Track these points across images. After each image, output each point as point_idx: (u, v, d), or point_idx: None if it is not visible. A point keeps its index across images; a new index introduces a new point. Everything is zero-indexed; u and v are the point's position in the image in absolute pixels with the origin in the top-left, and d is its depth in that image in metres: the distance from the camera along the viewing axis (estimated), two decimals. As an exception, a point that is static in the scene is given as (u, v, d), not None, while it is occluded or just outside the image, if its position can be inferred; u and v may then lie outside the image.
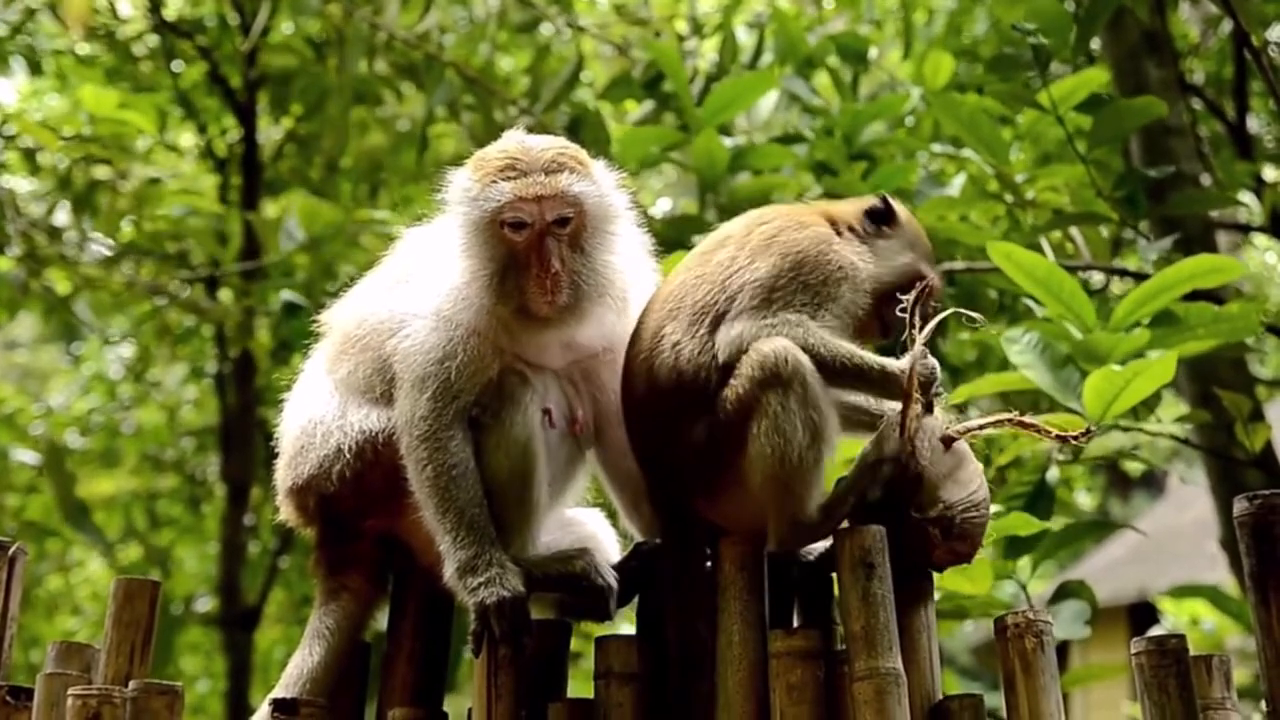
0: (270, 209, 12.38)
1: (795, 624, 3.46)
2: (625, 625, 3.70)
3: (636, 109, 8.21)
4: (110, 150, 8.87)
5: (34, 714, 3.58)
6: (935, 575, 3.42)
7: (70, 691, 3.41)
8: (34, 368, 19.38)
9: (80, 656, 3.68)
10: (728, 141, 6.62)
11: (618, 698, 3.38)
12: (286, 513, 3.73)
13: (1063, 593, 5.08)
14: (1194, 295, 4.79)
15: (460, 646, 3.55)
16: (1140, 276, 5.50)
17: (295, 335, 8.38)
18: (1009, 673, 3.24)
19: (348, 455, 3.55)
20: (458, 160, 3.68)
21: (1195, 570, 15.56)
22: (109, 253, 10.40)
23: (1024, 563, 4.91)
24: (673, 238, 6.07)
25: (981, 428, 3.50)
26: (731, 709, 3.29)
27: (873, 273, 3.53)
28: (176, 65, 12.64)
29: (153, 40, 12.48)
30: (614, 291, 3.55)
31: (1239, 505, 3.21)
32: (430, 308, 3.53)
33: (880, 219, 3.63)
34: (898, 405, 3.42)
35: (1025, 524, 4.46)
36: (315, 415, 3.63)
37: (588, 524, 3.82)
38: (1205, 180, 7.21)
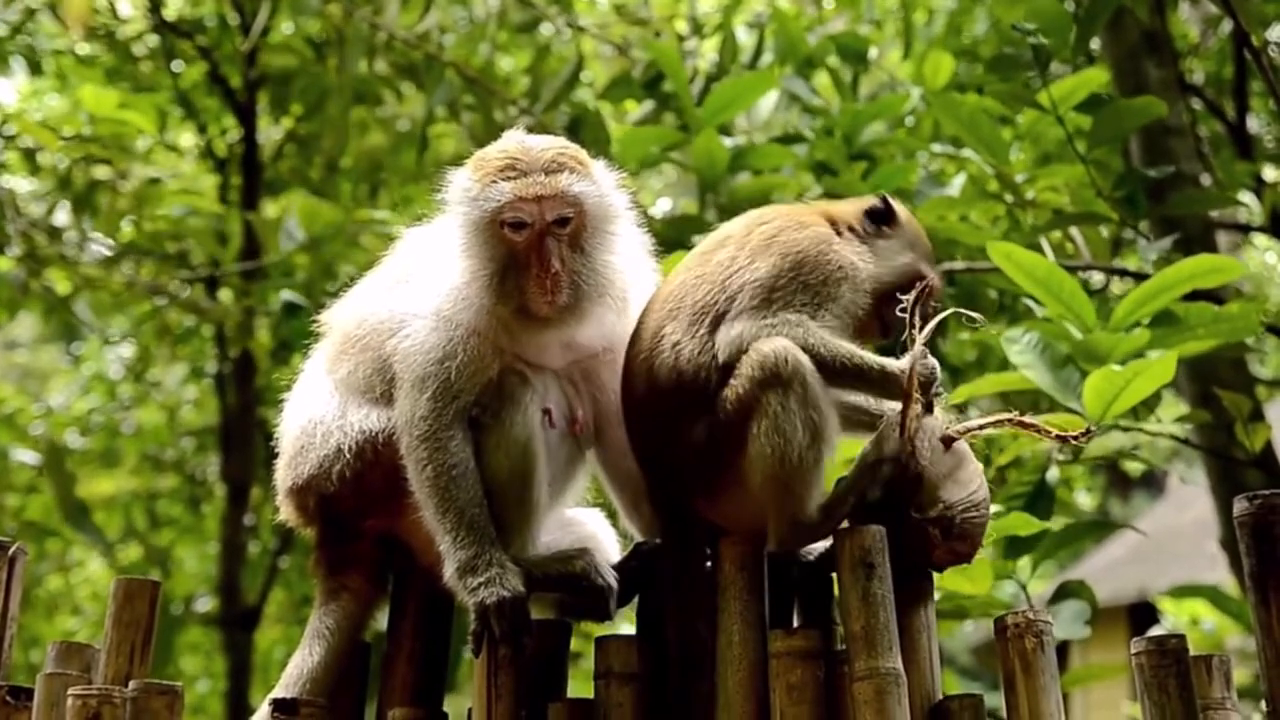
0: (270, 209, 12.38)
1: (795, 624, 3.46)
2: (625, 625, 3.70)
3: (636, 109, 8.21)
4: (110, 150, 8.87)
5: (34, 714, 3.58)
6: (935, 575, 3.43)
7: (70, 691, 3.41)
8: (34, 368, 19.38)
9: (80, 656, 3.68)
10: (728, 141, 6.62)
11: (618, 698, 3.38)
12: (286, 513, 3.73)
13: (1063, 593, 5.08)
14: (1194, 295, 4.79)
15: (460, 646, 3.55)
16: (1140, 276, 5.50)
17: (295, 335, 8.39)
18: (1009, 673, 3.24)
19: (348, 455, 3.55)
20: (458, 160, 3.68)
21: (1195, 570, 15.57)
22: (109, 253, 10.40)
23: (1024, 563, 4.91)
24: (673, 238, 6.07)
25: (981, 428, 3.50)
26: (731, 709, 3.29)
27: (873, 273, 3.53)
28: (176, 65, 12.64)
29: (153, 40, 12.48)
30: (614, 291, 3.55)
31: (1239, 505, 3.21)
32: (430, 308, 3.53)
33: (880, 219, 3.63)
34: (897, 405, 3.43)
35: (1026, 524, 4.46)
36: (315, 415, 3.63)
37: (588, 524, 3.82)
38: (1205, 180, 7.21)
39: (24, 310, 11.20)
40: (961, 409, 6.43)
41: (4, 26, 11.08)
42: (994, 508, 4.56)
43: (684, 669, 3.38)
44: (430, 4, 9.07)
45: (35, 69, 11.55)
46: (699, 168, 6.47)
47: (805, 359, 3.31)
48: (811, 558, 3.49)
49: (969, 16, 8.64)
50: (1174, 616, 11.51)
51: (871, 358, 3.37)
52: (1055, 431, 3.52)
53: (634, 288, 3.64)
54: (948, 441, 3.40)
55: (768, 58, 7.92)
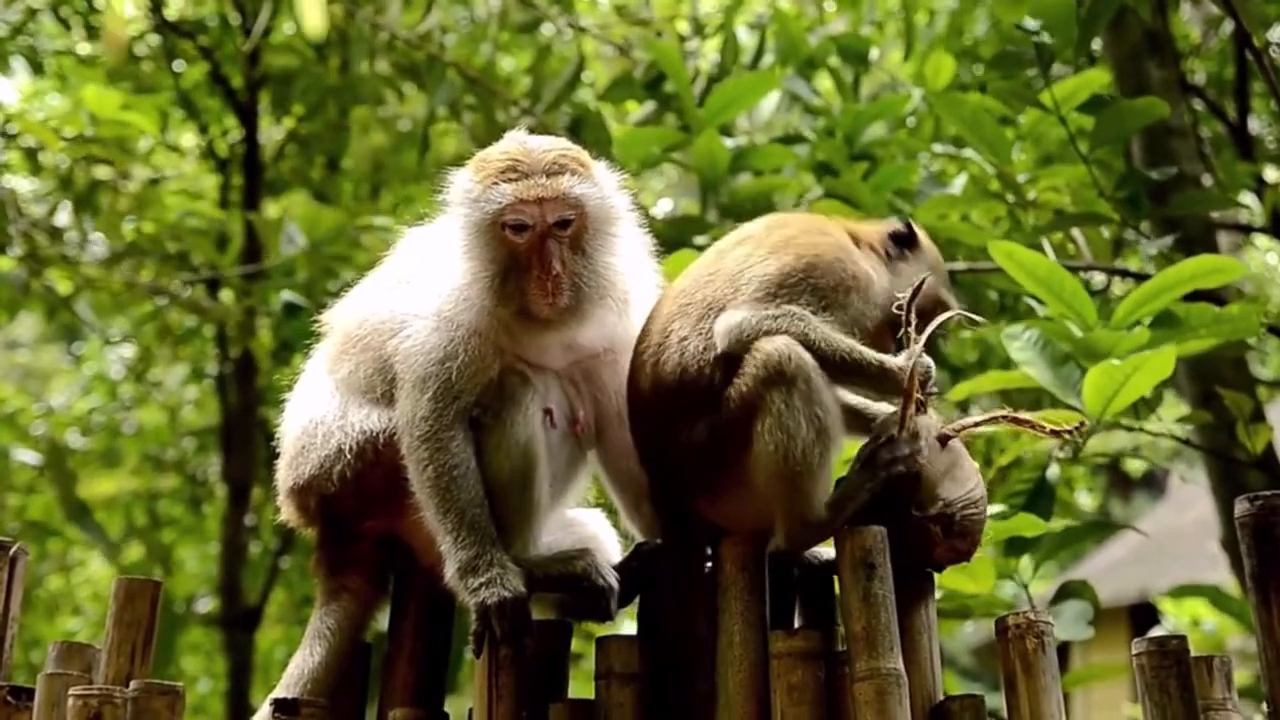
0: (271, 209, 12.38)
1: (796, 625, 3.46)
2: (627, 626, 3.70)
3: (638, 110, 8.21)
4: (111, 151, 8.87)
5: (35, 714, 3.58)
6: (936, 575, 3.43)
7: (71, 691, 3.41)
8: (35, 368, 19.39)
9: (81, 656, 3.68)
10: (729, 142, 6.62)
11: (618, 698, 3.38)
12: (287, 513, 3.73)
13: (1064, 593, 5.08)
14: (1195, 296, 4.79)
15: (461, 647, 3.55)
16: (1141, 277, 5.50)
17: (296, 335, 8.39)
18: (1010, 673, 3.24)
19: (348, 455, 3.55)
20: (459, 160, 3.68)
21: (1196, 571, 15.54)
22: (110, 253, 10.41)
23: (1025, 563, 4.91)
24: (674, 238, 6.08)
25: (977, 425, 3.51)
26: (732, 709, 3.29)
27: (887, 290, 3.53)
28: (178, 65, 12.64)
29: (154, 40, 12.48)
30: (615, 293, 3.55)
31: (1240, 506, 3.21)
32: (431, 308, 3.53)
33: (903, 242, 3.63)
34: (890, 408, 3.44)
35: (1030, 525, 4.45)
36: (316, 415, 3.63)
37: (589, 524, 3.82)
38: (1206, 181, 7.22)
39: (25, 310, 11.20)
40: (964, 408, 6.45)
41: (5, 27, 11.08)
42: (996, 507, 4.58)
43: (685, 669, 3.38)
44: (432, 4, 9.08)
45: (37, 69, 11.56)
46: (700, 168, 6.47)
47: (808, 356, 3.31)
48: (817, 562, 3.49)
49: (970, 17, 8.64)
50: (1175, 617, 11.50)
51: (870, 354, 3.37)
52: (1049, 426, 3.53)
53: (635, 289, 3.64)
54: (944, 439, 3.41)
55: (769, 58, 7.92)
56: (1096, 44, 7.47)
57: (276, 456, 3.77)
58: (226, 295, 11.38)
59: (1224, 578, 10.10)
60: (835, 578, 3.34)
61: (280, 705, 3.45)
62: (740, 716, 3.28)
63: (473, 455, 3.45)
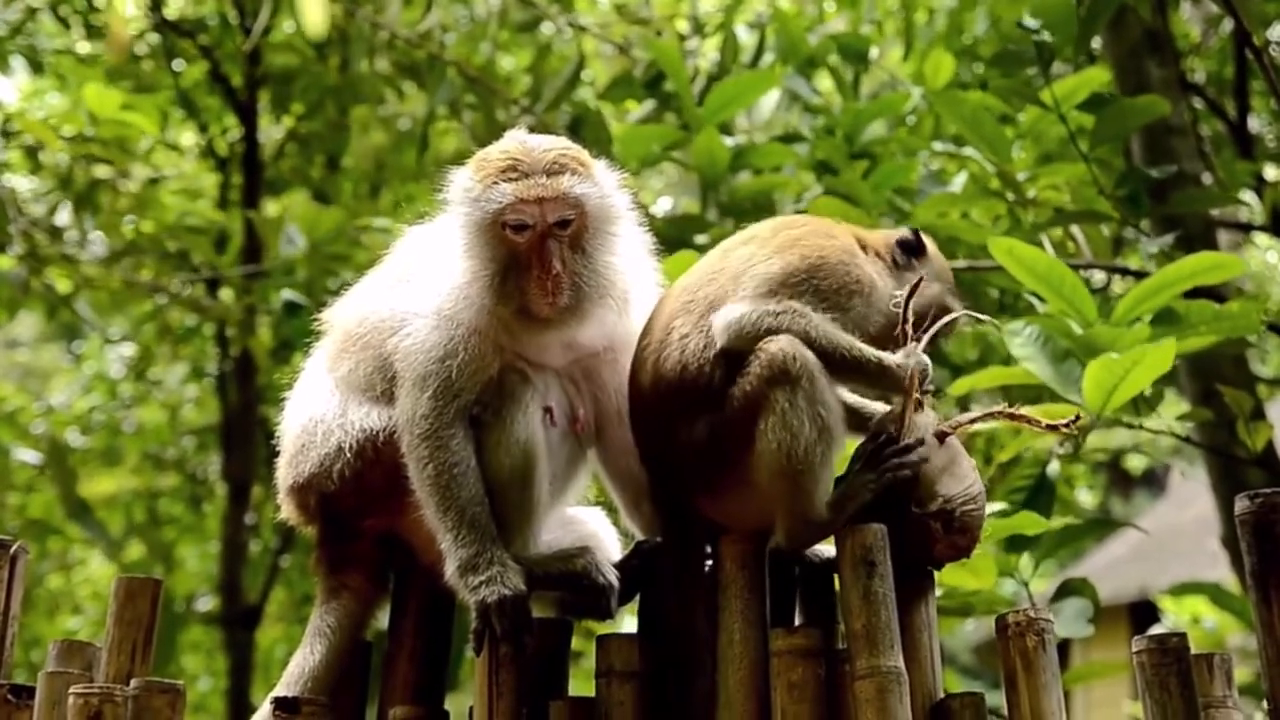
0: (271, 208, 12.39)
1: (796, 622, 3.46)
2: (627, 623, 3.70)
3: (637, 108, 8.21)
4: (111, 150, 8.87)
5: (35, 712, 3.58)
6: (937, 572, 3.43)
7: (72, 690, 3.41)
8: (35, 366, 19.39)
9: (82, 655, 3.68)
10: (729, 140, 6.62)
11: (619, 696, 3.38)
12: (287, 511, 3.74)
13: (1065, 591, 5.08)
14: (1195, 293, 4.79)
15: (461, 645, 3.55)
16: (1141, 275, 5.50)
17: (296, 334, 8.39)
18: (1010, 671, 3.24)
19: (348, 454, 3.55)
20: (459, 159, 3.68)
21: (1196, 568, 15.54)
22: (110, 252, 10.41)
23: (1025, 561, 4.91)
24: (674, 237, 6.08)
25: (974, 421, 3.52)
26: (732, 707, 3.29)
27: (892, 297, 3.53)
28: (178, 64, 12.64)
29: (154, 39, 12.48)
30: (615, 292, 3.54)
31: (1240, 503, 3.21)
32: (431, 306, 3.53)
33: (910, 250, 3.63)
34: (885, 406, 3.45)
35: (1031, 522, 4.45)
36: (316, 413, 3.64)
37: (589, 522, 3.82)
38: (1206, 179, 7.21)
39: (25, 309, 11.21)
40: (964, 405, 6.45)
41: (5, 26, 11.08)
42: (997, 505, 4.58)
43: (685, 667, 3.38)
44: (432, 3, 9.08)
45: (36, 68, 11.56)
46: (700, 167, 6.47)
47: (812, 355, 3.31)
48: (817, 560, 3.49)
49: (970, 16, 8.64)
50: (1175, 615, 11.51)
51: (870, 351, 3.37)
52: (1046, 421, 3.53)
53: (635, 288, 3.64)
54: (941, 436, 3.41)
55: (769, 57, 7.92)
56: (1096, 42, 7.47)
57: (276, 455, 3.77)
58: (226, 294, 11.38)
59: (1224, 575, 10.11)
60: (835, 575, 3.34)
61: (281, 703, 3.45)
62: (741, 714, 3.28)
63: (473, 453, 3.45)
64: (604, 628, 3.63)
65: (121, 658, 3.63)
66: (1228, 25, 8.80)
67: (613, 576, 3.54)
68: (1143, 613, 16.92)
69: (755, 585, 3.36)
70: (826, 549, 3.45)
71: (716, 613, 3.36)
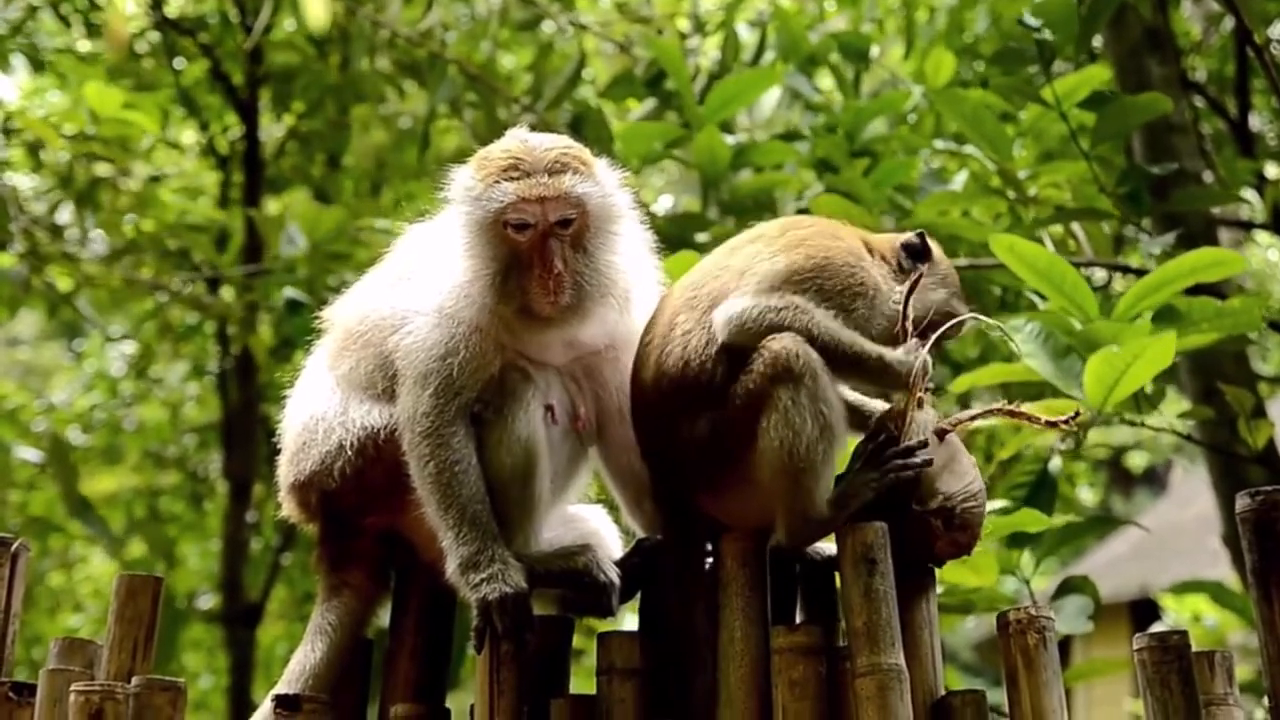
0: (272, 206, 12.39)
1: (797, 620, 3.46)
2: (628, 621, 3.71)
3: (638, 107, 8.21)
4: (112, 148, 8.87)
5: (37, 710, 3.58)
6: (938, 570, 3.43)
7: (73, 688, 3.42)
8: (36, 364, 19.39)
9: (83, 653, 3.68)
10: (730, 139, 6.62)
11: (620, 693, 3.38)
12: (289, 509, 3.74)
13: (1066, 588, 5.08)
14: (1196, 291, 4.78)
15: (463, 643, 3.55)
16: (1142, 273, 5.50)
17: (297, 332, 8.39)
18: (1011, 669, 3.24)
19: (349, 451, 3.55)
20: (460, 157, 3.68)
21: (1197, 566, 15.54)
22: (110, 250, 10.41)
23: (1027, 559, 4.91)
24: (675, 235, 6.08)
25: (974, 419, 3.52)
26: (734, 705, 3.30)
27: (897, 301, 3.53)
28: (178, 62, 12.64)
29: (155, 37, 12.48)
30: (616, 291, 3.54)
31: (1241, 501, 3.21)
32: (433, 304, 3.53)
33: (916, 254, 3.63)
34: (885, 404, 3.45)
35: (1032, 520, 4.45)
36: (317, 411, 3.64)
37: (590, 520, 3.82)
38: (1207, 177, 7.22)
39: (26, 307, 11.21)
40: (964, 402, 6.45)
41: (5, 24, 11.08)
42: (999, 503, 4.58)
43: (686, 665, 3.38)
44: (432, 1, 9.07)
45: (37, 66, 11.56)
46: (701, 165, 6.47)
47: (815, 354, 3.31)
48: (818, 557, 3.49)
49: (970, 14, 8.64)
50: (1176, 613, 11.52)
51: (872, 347, 3.37)
52: (1045, 417, 3.53)
53: (637, 286, 3.65)
54: (941, 434, 3.41)
55: (770, 55, 7.92)
56: (1097, 41, 7.47)
57: (278, 453, 3.77)
58: (227, 292, 11.38)
59: (1225, 573, 10.11)
60: (836, 573, 3.34)
61: (282, 701, 3.45)
62: (741, 712, 3.29)
63: (474, 451, 3.45)
64: (605, 625, 3.63)
65: (123, 655, 3.63)
66: (1229, 23, 8.80)
67: (614, 574, 3.54)
68: (1143, 611, 16.92)
69: (756, 583, 3.37)
70: (827, 546, 3.45)
71: (717, 610, 3.36)
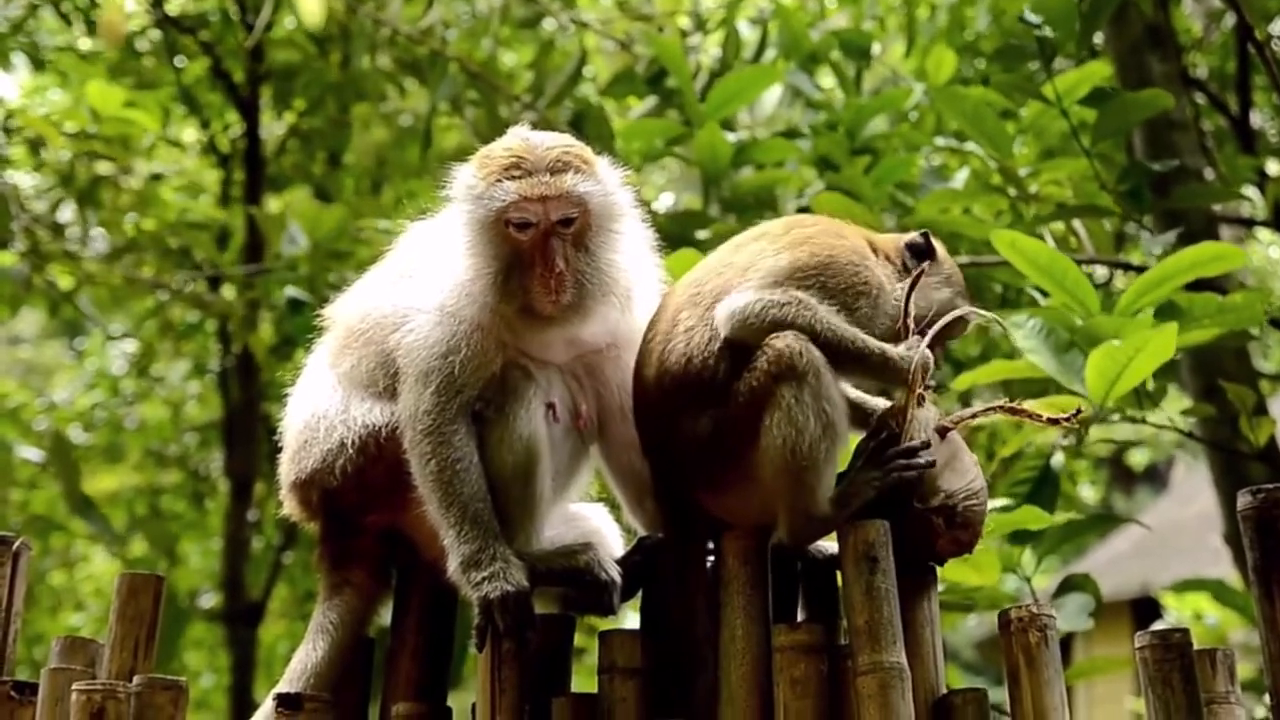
0: (273, 204, 12.39)
1: (799, 618, 3.46)
2: (629, 620, 3.70)
3: (640, 104, 8.21)
4: (113, 146, 8.87)
5: (38, 709, 3.58)
6: (939, 568, 3.43)
7: (75, 686, 3.42)
8: (37, 363, 19.40)
9: (84, 651, 3.69)
10: (731, 136, 6.62)
11: (621, 692, 3.38)
12: (290, 507, 3.74)
13: (1067, 586, 5.08)
14: (1198, 288, 4.78)
15: (464, 641, 3.55)
16: (1143, 270, 5.50)
17: (298, 331, 8.39)
18: (1013, 667, 3.24)
19: (350, 450, 3.55)
20: (461, 155, 3.68)
21: (1199, 565, 15.54)
22: (111, 248, 10.42)
23: (1028, 557, 4.91)
24: (676, 233, 6.08)
25: (975, 416, 3.52)
26: (735, 703, 3.29)
27: (900, 302, 3.53)
28: (179, 60, 12.63)
29: (155, 35, 12.48)
30: (618, 289, 3.54)
31: (1243, 499, 3.21)
32: (434, 303, 3.53)
33: (920, 254, 3.62)
34: (886, 401, 3.45)
35: (1034, 518, 4.45)
36: (319, 409, 3.64)
37: (591, 519, 3.82)
38: (1208, 174, 7.21)
39: (27, 306, 11.21)
40: (966, 400, 6.45)
41: (6, 23, 11.08)
42: (1001, 501, 4.58)
43: (687, 664, 3.38)
44: (433, -1, 9.08)
45: (38, 65, 11.56)
46: (702, 162, 6.47)
47: (818, 352, 3.31)
48: (820, 556, 3.49)
49: (971, 12, 8.64)
50: (1177, 611, 11.52)
51: (874, 343, 3.37)
52: (1046, 415, 3.53)
53: (638, 284, 3.65)
54: (943, 431, 3.41)
55: (771, 53, 7.92)
56: (1098, 38, 7.47)
57: (279, 451, 3.77)
58: (228, 290, 11.38)
59: (1226, 572, 10.11)
60: (838, 571, 3.34)
61: (283, 700, 3.45)
62: (743, 710, 3.28)
63: (475, 449, 3.45)
64: (606, 624, 3.63)
65: (124, 654, 3.63)
66: (1230, 20, 8.79)
67: (615, 573, 3.54)
68: (1145, 609, 16.91)
69: (758, 581, 3.36)
70: (829, 545, 3.45)
71: (719, 609, 3.36)
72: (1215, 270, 4.76)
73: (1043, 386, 4.80)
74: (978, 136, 5.79)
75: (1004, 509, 4.46)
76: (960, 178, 6.41)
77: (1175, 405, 5.98)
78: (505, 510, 3.45)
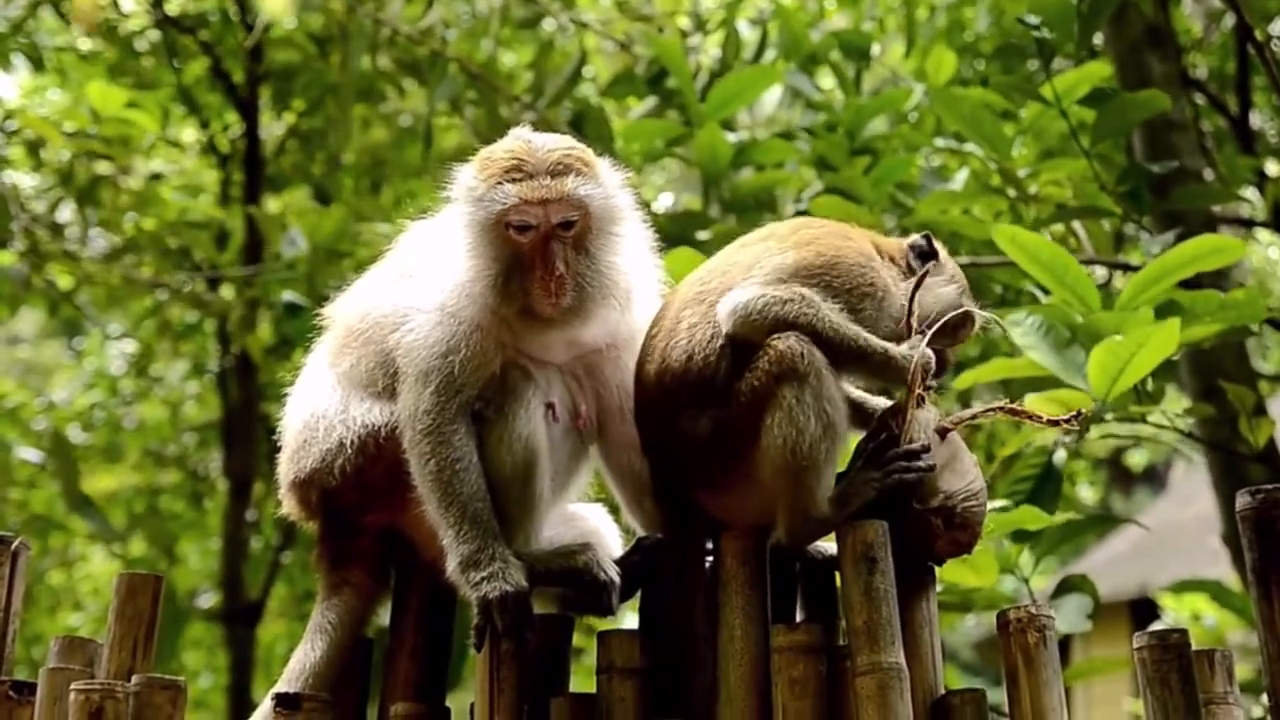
0: (272, 204, 12.39)
1: (798, 619, 3.46)
2: (628, 620, 3.70)
3: (639, 105, 8.21)
4: (113, 146, 8.87)
5: (37, 709, 3.58)
6: (938, 569, 3.43)
7: (73, 686, 3.42)
8: (36, 363, 19.39)
9: (83, 651, 3.69)
10: (731, 137, 6.62)
11: (620, 692, 3.38)
12: (289, 507, 3.74)
13: (1065, 587, 5.08)
14: (1198, 285, 4.77)
15: (463, 641, 3.55)
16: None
17: (297, 333, 8.39)
18: (1011, 667, 3.24)
19: (350, 449, 3.55)
20: (460, 156, 3.68)
21: (1197, 565, 15.54)
22: (111, 248, 10.41)
23: (1026, 557, 4.91)
24: (676, 233, 6.08)
25: (975, 417, 3.52)
26: (733, 703, 3.29)
27: (904, 304, 3.53)
28: (179, 60, 12.63)
29: (155, 35, 12.48)
30: (618, 291, 3.54)
31: (1241, 500, 3.21)
32: (434, 302, 3.53)
33: (923, 256, 3.63)
34: (888, 402, 3.46)
35: (1033, 518, 4.45)
36: (318, 409, 3.64)
37: (590, 519, 3.82)
38: (1208, 175, 7.21)
39: (26, 305, 11.21)
40: (965, 400, 6.45)
41: (5, 22, 11.07)
42: (1000, 501, 4.57)
43: (686, 664, 3.38)
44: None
45: (37, 65, 11.55)
46: (702, 163, 6.47)
47: (819, 353, 3.31)
48: (819, 556, 3.49)
49: (971, 12, 8.64)
50: (1176, 612, 11.51)
51: (876, 342, 3.37)
52: (1046, 416, 3.53)
53: (639, 286, 3.65)
54: (942, 432, 3.41)
55: (771, 53, 7.92)
56: (1098, 38, 7.47)
57: (278, 451, 3.77)
58: (227, 290, 11.38)
59: (1225, 573, 10.11)
60: (837, 571, 3.34)
61: (282, 700, 3.45)
62: (741, 710, 3.28)
63: (475, 449, 3.45)
64: (605, 624, 3.63)
65: (123, 654, 3.63)
66: (1229, 20, 8.79)
67: (614, 573, 3.54)
68: (1143, 609, 16.91)
69: (756, 581, 3.36)
70: (828, 545, 3.45)
71: (717, 609, 3.36)
72: (1215, 264, 4.75)
73: (1044, 385, 4.79)
74: (976, 137, 5.79)
75: (1004, 509, 4.45)
76: (960, 178, 6.41)
77: (1174, 405, 5.98)
78: (504, 510, 3.45)
